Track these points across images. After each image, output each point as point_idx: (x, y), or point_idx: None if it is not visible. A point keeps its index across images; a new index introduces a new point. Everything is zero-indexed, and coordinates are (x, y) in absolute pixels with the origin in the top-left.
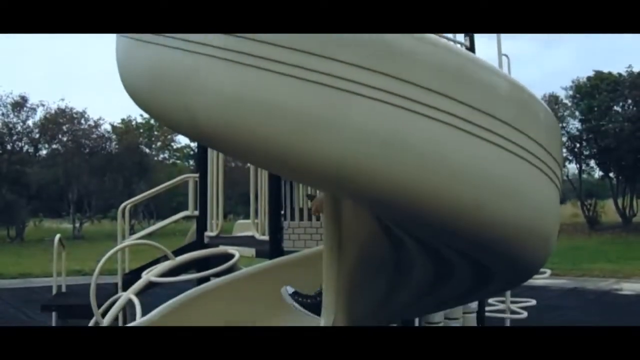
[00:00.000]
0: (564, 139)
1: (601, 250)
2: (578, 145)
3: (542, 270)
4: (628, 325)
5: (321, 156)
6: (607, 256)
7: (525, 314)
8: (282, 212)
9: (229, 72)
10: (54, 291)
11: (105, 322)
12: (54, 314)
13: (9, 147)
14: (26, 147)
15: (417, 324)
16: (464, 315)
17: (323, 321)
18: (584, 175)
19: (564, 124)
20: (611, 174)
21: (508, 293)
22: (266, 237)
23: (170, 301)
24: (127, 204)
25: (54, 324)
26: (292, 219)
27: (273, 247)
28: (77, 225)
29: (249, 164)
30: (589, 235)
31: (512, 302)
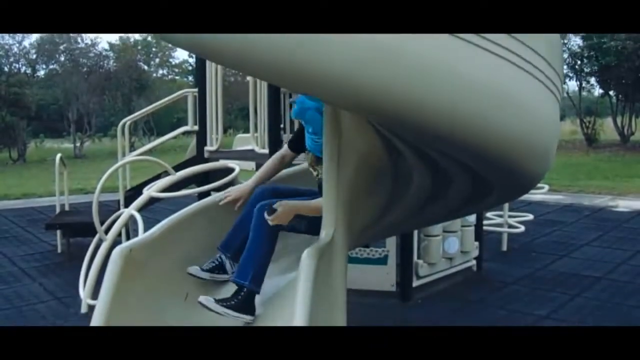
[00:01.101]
0: (565, 55)
1: (598, 168)
2: (579, 62)
3: (540, 185)
4: (621, 238)
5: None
6: (604, 173)
7: (522, 228)
8: (282, 125)
9: None
10: (58, 210)
11: (108, 238)
12: (58, 232)
13: (6, 69)
14: (24, 68)
15: (415, 235)
16: (462, 229)
17: (323, 234)
18: (584, 93)
19: (566, 41)
20: (611, 92)
21: (506, 207)
22: (266, 151)
23: (172, 216)
24: (127, 120)
25: (58, 242)
26: (292, 132)
27: None
28: (78, 144)
29: (248, 78)
30: (587, 152)
31: (510, 217)
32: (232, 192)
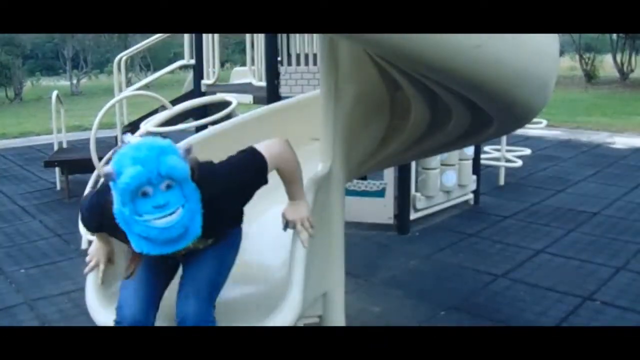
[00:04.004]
0: None
1: (597, 104)
2: None
3: (537, 120)
4: (617, 174)
5: None
6: (603, 110)
7: (520, 163)
8: (279, 58)
9: None
10: (56, 147)
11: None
12: (56, 169)
13: None
14: None
15: (413, 168)
16: (460, 162)
17: (320, 167)
18: None
19: None
20: None
21: (504, 141)
22: (263, 84)
23: None
24: (123, 56)
25: (57, 180)
26: (289, 64)
27: (270, 93)
28: (75, 81)
29: None
30: (585, 89)
31: (508, 151)
32: (93, 255)
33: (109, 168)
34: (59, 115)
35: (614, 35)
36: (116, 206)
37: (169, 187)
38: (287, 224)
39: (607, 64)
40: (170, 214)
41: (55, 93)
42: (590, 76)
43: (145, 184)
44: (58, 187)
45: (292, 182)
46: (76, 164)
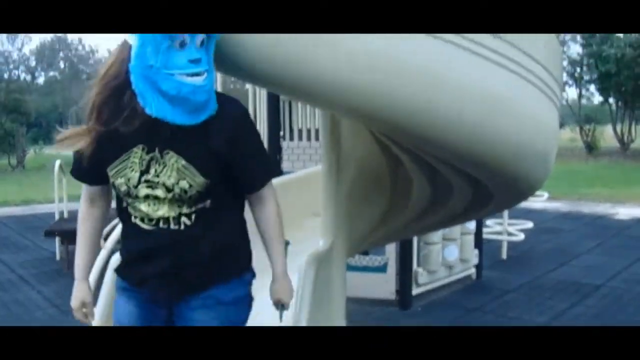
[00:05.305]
0: (565, 63)
1: (598, 175)
2: (578, 69)
3: (539, 193)
4: (621, 246)
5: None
6: (604, 181)
7: (522, 236)
8: (281, 132)
9: None
10: (57, 217)
11: (107, 246)
12: (56, 239)
13: (5, 75)
14: (23, 75)
15: (415, 242)
16: (462, 237)
17: (322, 242)
18: (584, 101)
19: (565, 48)
20: (611, 100)
21: (505, 215)
22: None
23: None
24: None
25: (57, 249)
26: (292, 139)
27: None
28: None
29: (247, 86)
30: (586, 160)
31: (510, 224)
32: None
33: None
34: (61, 184)
35: (614, 106)
36: (140, 60)
37: (202, 44)
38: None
39: (607, 134)
40: (201, 74)
41: (58, 162)
42: (591, 147)
43: None
44: (57, 257)
45: (276, 247)
46: (76, 234)
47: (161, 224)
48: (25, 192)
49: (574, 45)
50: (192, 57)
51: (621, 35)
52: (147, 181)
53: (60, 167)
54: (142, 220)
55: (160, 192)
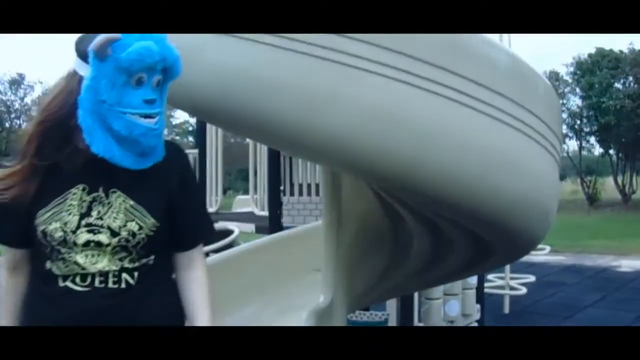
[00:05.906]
0: (565, 115)
1: (600, 228)
2: (578, 121)
3: (541, 246)
4: (625, 299)
5: (322, 129)
6: (606, 233)
7: (524, 290)
8: (282, 187)
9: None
10: None
11: None
12: None
13: (7, 124)
14: (25, 124)
15: (416, 298)
16: (464, 292)
17: (322, 298)
18: (584, 152)
19: (565, 101)
20: (611, 151)
21: (507, 269)
22: (265, 213)
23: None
24: None
25: None
26: (292, 194)
27: (272, 223)
28: None
29: (248, 140)
30: (588, 212)
31: (512, 279)
32: None
33: (108, 36)
34: None
35: (615, 157)
36: (91, 94)
37: (158, 84)
38: None
39: (608, 186)
40: (154, 116)
41: None
42: (592, 199)
43: (150, 65)
44: None
45: (203, 319)
46: None
47: (97, 283)
48: None
49: (574, 98)
50: (147, 97)
51: (620, 86)
52: (88, 224)
53: None
54: (73, 280)
55: (103, 237)
